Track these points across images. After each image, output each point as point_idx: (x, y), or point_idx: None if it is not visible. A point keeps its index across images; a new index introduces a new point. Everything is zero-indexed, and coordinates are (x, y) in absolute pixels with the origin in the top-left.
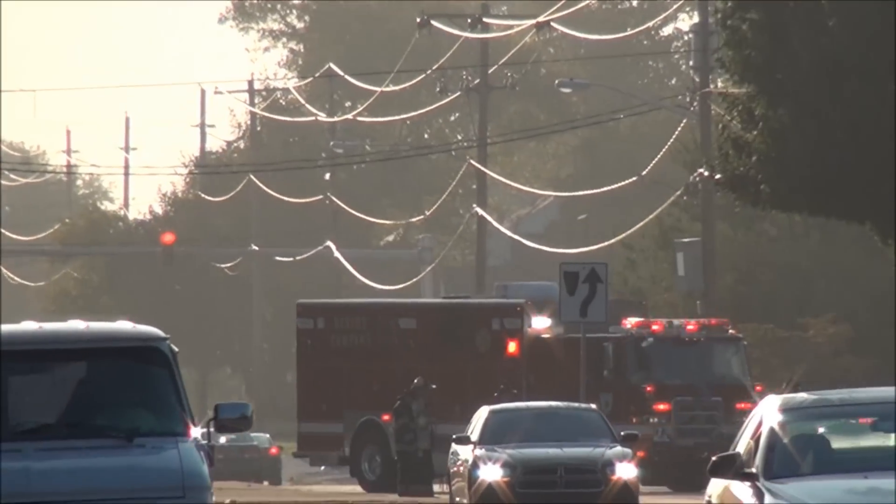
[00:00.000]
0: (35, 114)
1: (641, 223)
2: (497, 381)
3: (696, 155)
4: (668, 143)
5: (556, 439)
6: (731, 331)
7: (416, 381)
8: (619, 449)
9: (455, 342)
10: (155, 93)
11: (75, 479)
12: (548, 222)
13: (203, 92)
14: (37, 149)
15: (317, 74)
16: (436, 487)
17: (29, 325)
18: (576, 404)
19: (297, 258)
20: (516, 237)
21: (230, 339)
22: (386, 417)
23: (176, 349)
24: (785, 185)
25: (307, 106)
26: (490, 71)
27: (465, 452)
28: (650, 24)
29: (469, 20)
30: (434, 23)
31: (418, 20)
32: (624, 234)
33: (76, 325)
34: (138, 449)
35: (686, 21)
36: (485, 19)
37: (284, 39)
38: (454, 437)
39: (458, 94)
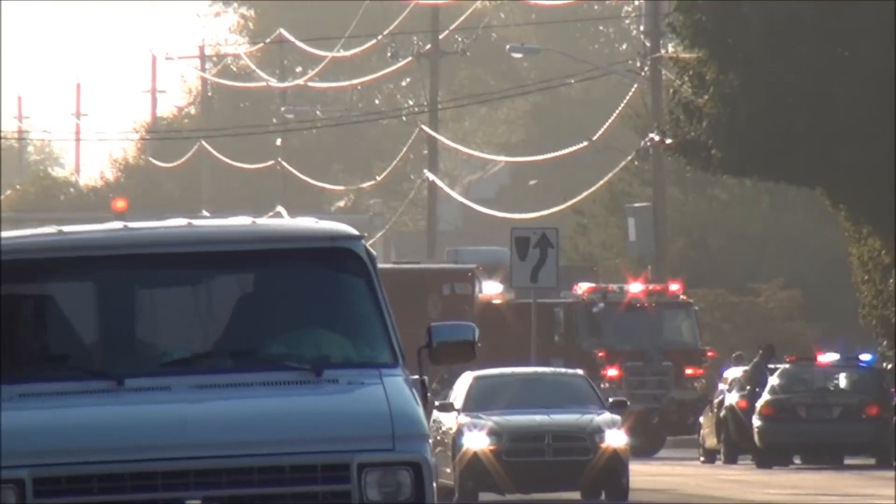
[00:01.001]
0: None
1: (592, 188)
2: None
3: (647, 120)
4: (619, 109)
5: (543, 406)
6: (681, 296)
7: None
8: (607, 416)
9: (406, 307)
10: (106, 58)
11: (245, 426)
12: (498, 187)
13: (154, 58)
14: None
15: (267, 40)
16: None
17: (175, 223)
18: (562, 370)
19: None
20: (467, 202)
21: None
22: None
23: (374, 252)
24: (735, 149)
25: (258, 71)
26: (441, 36)
27: (448, 420)
28: None
29: None
30: None
31: None
32: (575, 200)
33: (240, 221)
34: (329, 385)
35: None
36: None
37: (235, 5)
38: (437, 404)
39: (409, 59)
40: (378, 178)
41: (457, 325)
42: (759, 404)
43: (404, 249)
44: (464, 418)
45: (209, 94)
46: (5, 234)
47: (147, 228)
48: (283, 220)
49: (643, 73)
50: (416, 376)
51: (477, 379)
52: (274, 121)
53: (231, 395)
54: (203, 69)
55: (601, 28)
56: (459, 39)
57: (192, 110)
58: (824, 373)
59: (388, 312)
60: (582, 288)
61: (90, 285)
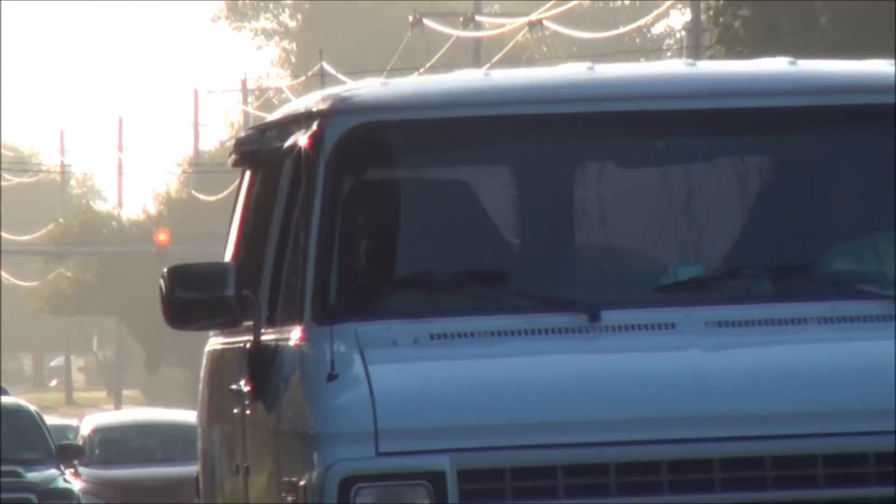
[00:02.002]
0: (29, 114)
1: None
2: None
3: None
4: None
5: None
6: None
7: None
8: None
9: None
10: (148, 93)
11: (806, 390)
12: None
13: (196, 92)
14: (31, 149)
15: (309, 73)
16: None
17: (663, 67)
18: None
19: None
20: None
21: None
22: None
23: None
24: None
25: None
26: (483, 69)
27: None
28: (642, 21)
29: (461, 18)
30: (426, 21)
31: (410, 18)
32: None
33: (773, 63)
34: None
35: (678, 18)
36: (477, 17)
37: (277, 38)
38: None
39: None
40: None
41: None
42: None
43: None
44: None
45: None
46: (352, 84)
47: (622, 75)
48: (838, 64)
49: None
50: None
51: None
52: None
53: (776, 338)
54: (245, 102)
55: (643, 61)
56: None
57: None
58: None
59: None
60: None
61: (532, 161)
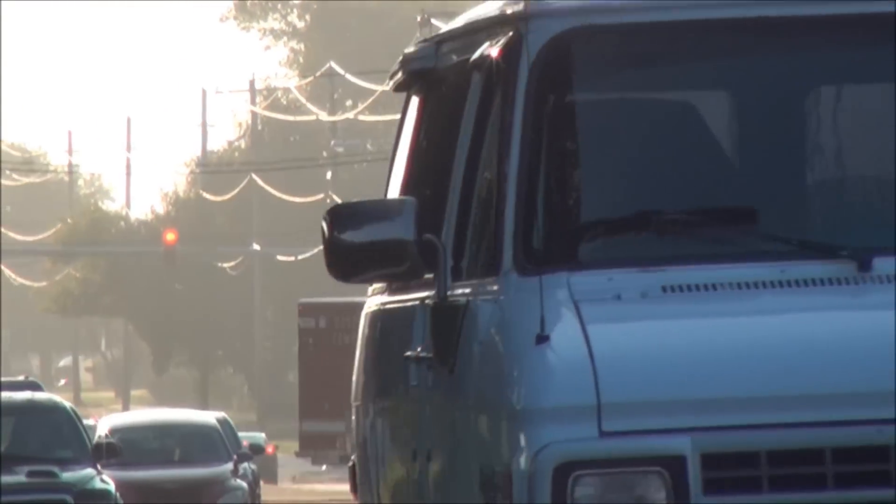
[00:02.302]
0: (37, 114)
1: None
2: None
3: None
4: None
5: None
6: None
7: None
8: None
9: None
10: (157, 93)
11: None
12: None
13: (204, 92)
14: (38, 149)
15: (318, 73)
16: None
17: None
18: None
19: (299, 257)
20: None
21: (232, 339)
22: None
23: None
24: None
25: (308, 105)
26: None
27: None
28: None
29: None
30: (434, 21)
31: (419, 18)
32: None
33: None
34: None
35: None
36: None
37: (285, 38)
38: None
39: None
40: None
41: None
42: None
43: None
44: None
45: (259, 127)
46: None
47: None
48: None
49: None
50: None
51: None
52: (324, 154)
53: None
54: (253, 103)
55: None
56: None
57: (243, 144)
58: None
59: None
60: None
61: (780, 77)
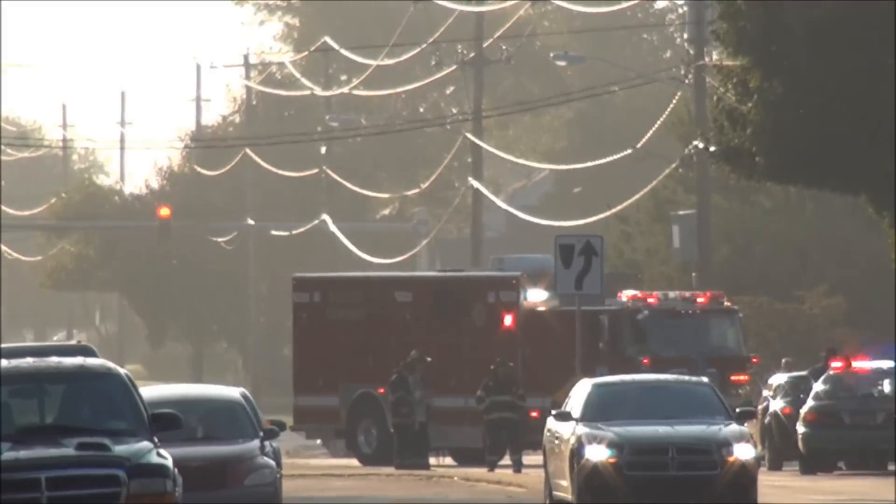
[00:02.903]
0: (31, 89)
1: (636, 196)
2: (493, 355)
3: (691, 127)
4: (663, 116)
5: (667, 416)
6: (726, 303)
7: (412, 354)
8: (735, 427)
9: (451, 315)
10: (150, 68)
11: None
12: (543, 195)
13: (198, 66)
14: (33, 123)
15: (312, 48)
16: (432, 460)
17: None
18: (686, 377)
19: (293, 232)
20: (512, 210)
21: (226, 314)
22: (381, 390)
23: None
24: (780, 157)
25: (303, 80)
26: (485, 45)
27: (565, 430)
28: None
29: None
30: None
31: None
32: (619, 207)
33: None
34: None
35: None
36: None
37: (280, 13)
38: (553, 413)
39: (454, 67)
40: (422, 186)
41: None
42: (803, 410)
43: (449, 257)
44: (582, 428)
45: (254, 102)
46: None
47: None
48: None
49: (687, 81)
50: None
51: (596, 387)
52: (318, 129)
53: None
54: (248, 77)
55: (645, 36)
56: (503, 48)
57: (237, 118)
58: (868, 379)
59: None
60: (626, 295)
61: None
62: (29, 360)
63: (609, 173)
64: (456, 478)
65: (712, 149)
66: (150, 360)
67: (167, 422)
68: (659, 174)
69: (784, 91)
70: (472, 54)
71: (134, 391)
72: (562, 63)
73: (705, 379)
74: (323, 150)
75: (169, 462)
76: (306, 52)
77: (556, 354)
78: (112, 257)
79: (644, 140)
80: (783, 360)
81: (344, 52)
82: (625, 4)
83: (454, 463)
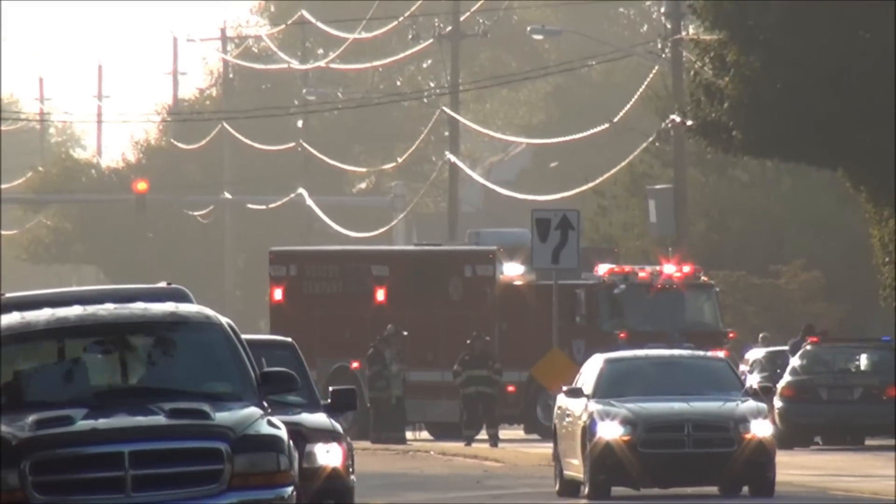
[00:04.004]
0: (7, 62)
1: (613, 170)
2: (469, 329)
3: (668, 101)
4: (640, 90)
5: (681, 392)
6: (703, 277)
7: (388, 328)
8: (752, 403)
9: (427, 289)
10: (127, 40)
11: None
12: (520, 169)
13: (175, 40)
14: (10, 97)
15: (289, 22)
16: (408, 435)
17: None
18: (701, 353)
19: (270, 206)
20: (489, 184)
21: (203, 287)
22: (356, 364)
23: None
24: (757, 131)
25: (279, 53)
26: (462, 18)
27: (577, 407)
28: None
29: None
30: None
31: None
32: (596, 181)
33: None
34: None
35: None
36: None
37: None
38: (564, 389)
39: (431, 41)
40: (399, 160)
41: None
42: (780, 385)
43: (425, 231)
44: (594, 405)
45: (231, 75)
46: None
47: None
48: None
49: (664, 55)
50: None
51: (608, 362)
52: (295, 102)
53: None
54: (225, 51)
55: (622, 10)
56: (480, 21)
57: (214, 92)
58: (845, 354)
59: None
60: (603, 269)
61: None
62: (109, 307)
63: (586, 147)
64: (432, 452)
65: (689, 123)
66: None
67: (280, 382)
68: (636, 148)
69: (761, 66)
70: (449, 28)
71: (238, 344)
72: (539, 37)
73: (721, 354)
74: (300, 123)
75: (283, 432)
76: (283, 26)
77: (532, 329)
78: (89, 231)
79: (621, 114)
80: (760, 335)
81: (321, 25)
82: None
83: (430, 437)
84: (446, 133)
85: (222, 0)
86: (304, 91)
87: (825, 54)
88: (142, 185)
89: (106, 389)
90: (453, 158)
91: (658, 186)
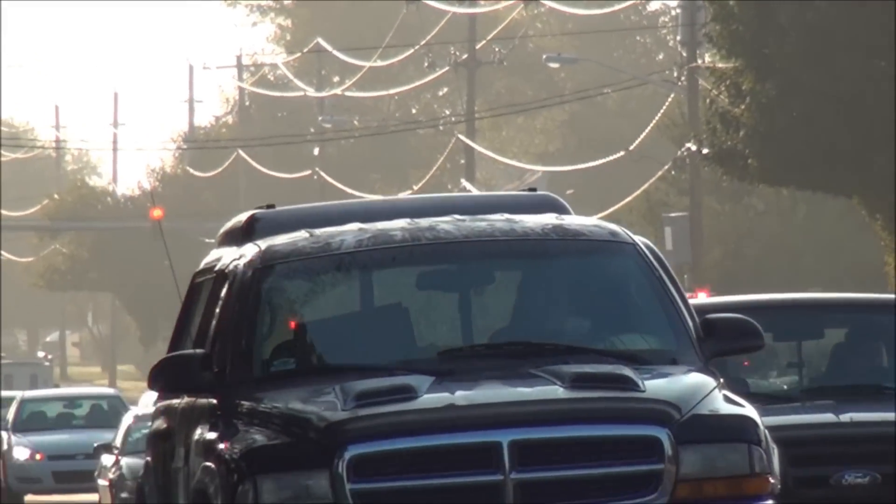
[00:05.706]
0: (24, 90)
1: (629, 198)
2: None
3: (684, 129)
4: (656, 118)
5: None
6: None
7: None
8: None
9: None
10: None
11: None
12: None
13: (191, 67)
14: (26, 124)
15: (305, 49)
16: None
17: None
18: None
19: None
20: None
21: None
22: None
23: None
24: (772, 159)
25: (295, 81)
26: (478, 46)
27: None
28: None
29: None
30: None
31: None
32: (612, 209)
33: None
34: None
35: None
36: None
37: (272, 14)
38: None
39: (447, 69)
40: (415, 188)
41: None
42: None
43: None
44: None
45: (246, 103)
46: None
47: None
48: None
49: (680, 83)
50: None
51: None
52: (311, 130)
53: None
54: (240, 79)
55: (638, 38)
56: (496, 49)
57: (230, 120)
58: None
59: None
60: None
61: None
62: (455, 220)
63: (602, 175)
64: None
65: (705, 151)
66: (143, 360)
67: (736, 335)
68: (651, 176)
69: (777, 93)
70: (465, 56)
71: (665, 276)
72: (555, 65)
73: None
74: (316, 151)
75: (752, 412)
76: (299, 54)
77: None
78: (104, 258)
79: (637, 142)
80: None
81: (336, 53)
82: (618, 7)
83: None
84: (462, 161)
85: (238, 28)
86: (319, 119)
87: (841, 82)
88: (157, 213)
89: (459, 345)
90: (469, 186)
91: (674, 214)
